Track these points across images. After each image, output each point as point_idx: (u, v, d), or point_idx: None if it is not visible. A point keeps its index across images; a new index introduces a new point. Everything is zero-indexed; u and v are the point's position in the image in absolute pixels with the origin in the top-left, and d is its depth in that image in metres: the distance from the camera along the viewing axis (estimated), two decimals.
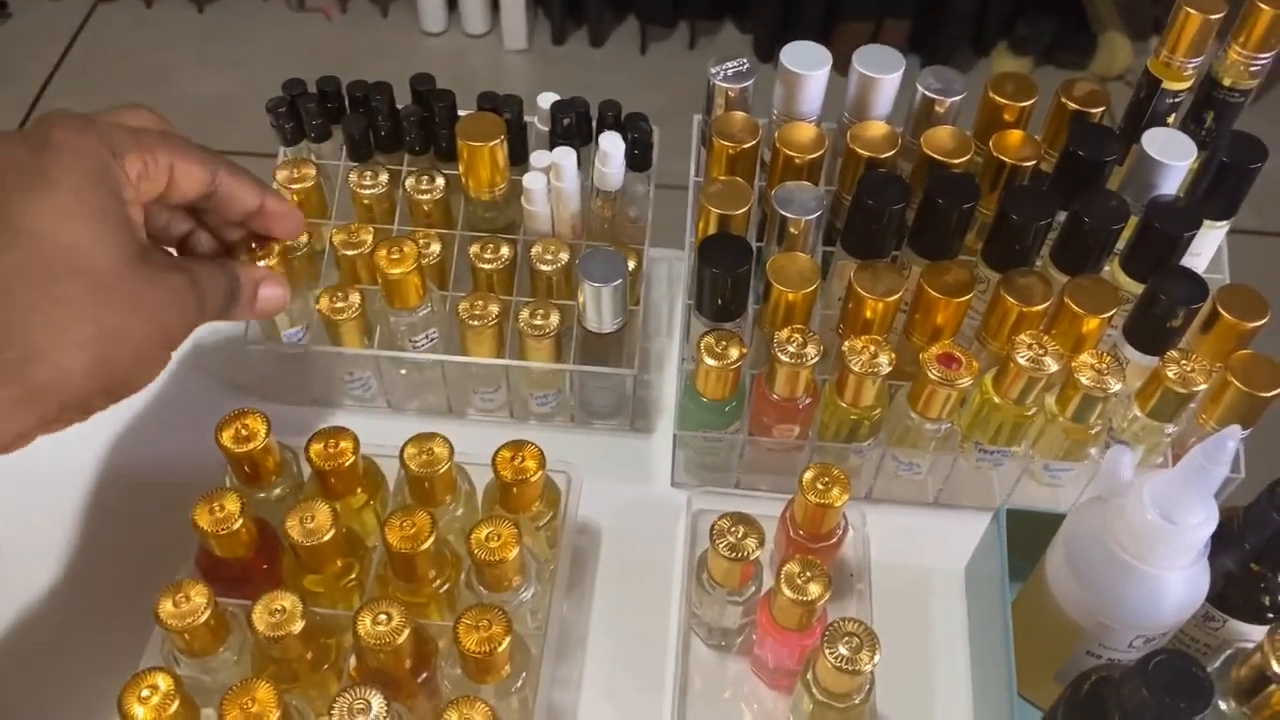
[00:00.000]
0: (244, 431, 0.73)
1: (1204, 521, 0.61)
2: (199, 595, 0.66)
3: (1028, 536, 0.74)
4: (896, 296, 0.77)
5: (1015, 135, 0.82)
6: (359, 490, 0.75)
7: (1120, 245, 0.81)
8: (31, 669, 0.76)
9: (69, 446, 0.87)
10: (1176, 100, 0.81)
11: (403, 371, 0.87)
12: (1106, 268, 0.82)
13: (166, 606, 0.65)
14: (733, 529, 0.71)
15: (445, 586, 0.72)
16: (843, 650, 0.66)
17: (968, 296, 0.76)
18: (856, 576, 0.81)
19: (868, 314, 0.78)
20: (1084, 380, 0.74)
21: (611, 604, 0.81)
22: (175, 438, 0.87)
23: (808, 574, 0.69)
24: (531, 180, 0.84)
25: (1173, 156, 0.78)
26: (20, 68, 2.70)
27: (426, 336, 0.83)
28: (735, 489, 0.87)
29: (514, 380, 0.86)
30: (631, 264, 0.86)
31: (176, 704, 0.62)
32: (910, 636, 0.80)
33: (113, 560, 0.82)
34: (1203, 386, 0.74)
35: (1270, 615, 0.69)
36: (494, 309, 0.82)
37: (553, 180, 0.83)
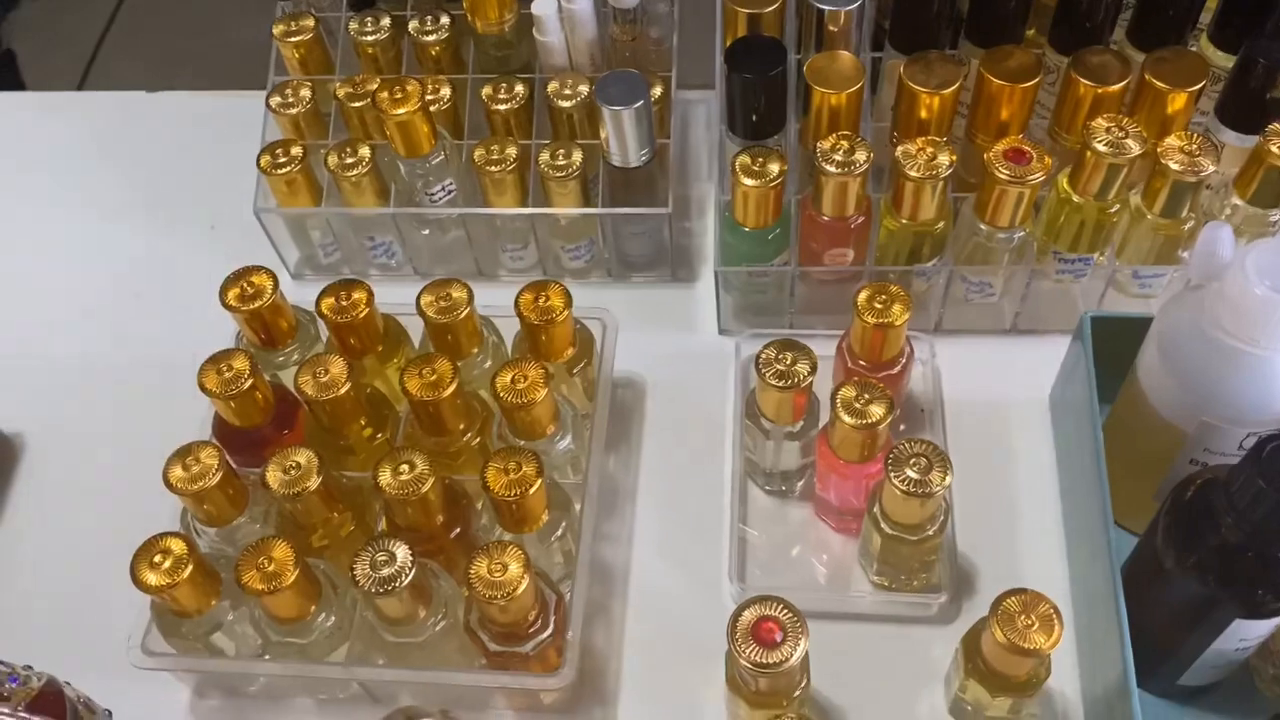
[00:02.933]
0: (249, 289, 0.68)
1: None
2: (209, 457, 0.61)
3: (1117, 350, 0.66)
4: (954, 88, 0.68)
5: None
6: (380, 348, 0.70)
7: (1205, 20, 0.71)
8: (61, 558, 0.73)
9: (96, 339, 0.85)
10: None
11: (425, 232, 0.82)
12: (1193, 46, 0.72)
13: (176, 471, 0.61)
14: (780, 356, 0.65)
15: (476, 440, 0.67)
16: (910, 473, 0.60)
17: (1034, 80, 0.68)
18: (928, 412, 0.74)
19: (922, 113, 0.70)
20: (1173, 165, 0.66)
21: (661, 458, 0.75)
22: (196, 323, 0.83)
23: (866, 396, 0.62)
24: (541, 6, 0.77)
25: None
26: (70, 33, 2.68)
27: (444, 188, 0.77)
28: (789, 331, 0.80)
29: (542, 233, 0.80)
30: (658, 90, 0.79)
31: (190, 568, 0.58)
32: (992, 473, 0.73)
33: (141, 449, 0.78)
34: None
35: None
36: (512, 151, 0.76)
37: (564, 3, 0.76)
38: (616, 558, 0.71)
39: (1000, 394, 0.75)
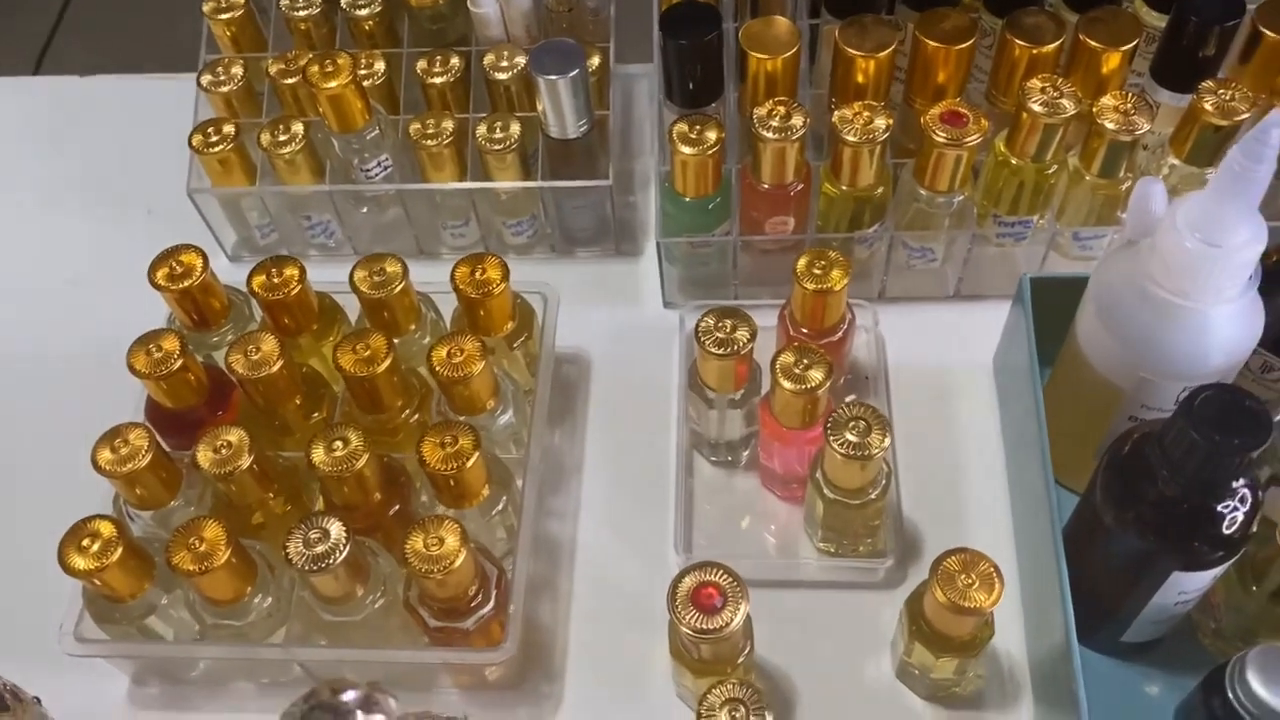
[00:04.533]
0: (179, 268, 0.66)
1: (1251, 239, 0.52)
2: (139, 438, 0.60)
3: (1058, 313, 0.66)
4: (889, 51, 0.68)
5: None
6: (315, 327, 0.69)
7: None
8: None
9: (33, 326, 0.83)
10: None
11: (364, 210, 0.80)
12: (1127, 6, 0.72)
13: (104, 454, 0.60)
14: (719, 324, 0.64)
15: (415, 417, 0.66)
16: (849, 437, 0.59)
17: (969, 42, 0.68)
18: (873, 379, 0.74)
19: (859, 77, 0.69)
20: (1108, 125, 0.66)
21: (607, 432, 0.75)
22: (132, 308, 0.81)
23: (805, 361, 0.62)
24: None
25: None
26: (23, 25, 2.63)
27: (379, 164, 0.76)
28: (734, 302, 0.80)
29: (483, 209, 0.79)
30: (595, 61, 0.78)
31: (120, 551, 0.57)
32: (937, 438, 0.73)
33: (75, 434, 0.77)
34: (1245, 116, 0.65)
35: None
36: (449, 125, 0.75)
37: None
38: (563, 532, 0.71)
39: (945, 359, 0.75)
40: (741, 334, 0.64)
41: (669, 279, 0.78)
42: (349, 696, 0.42)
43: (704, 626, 0.54)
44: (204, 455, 0.60)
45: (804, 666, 0.65)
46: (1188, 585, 0.56)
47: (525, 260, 0.82)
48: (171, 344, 0.63)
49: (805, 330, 0.68)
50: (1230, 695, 0.54)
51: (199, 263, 0.66)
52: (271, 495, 0.63)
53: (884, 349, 0.75)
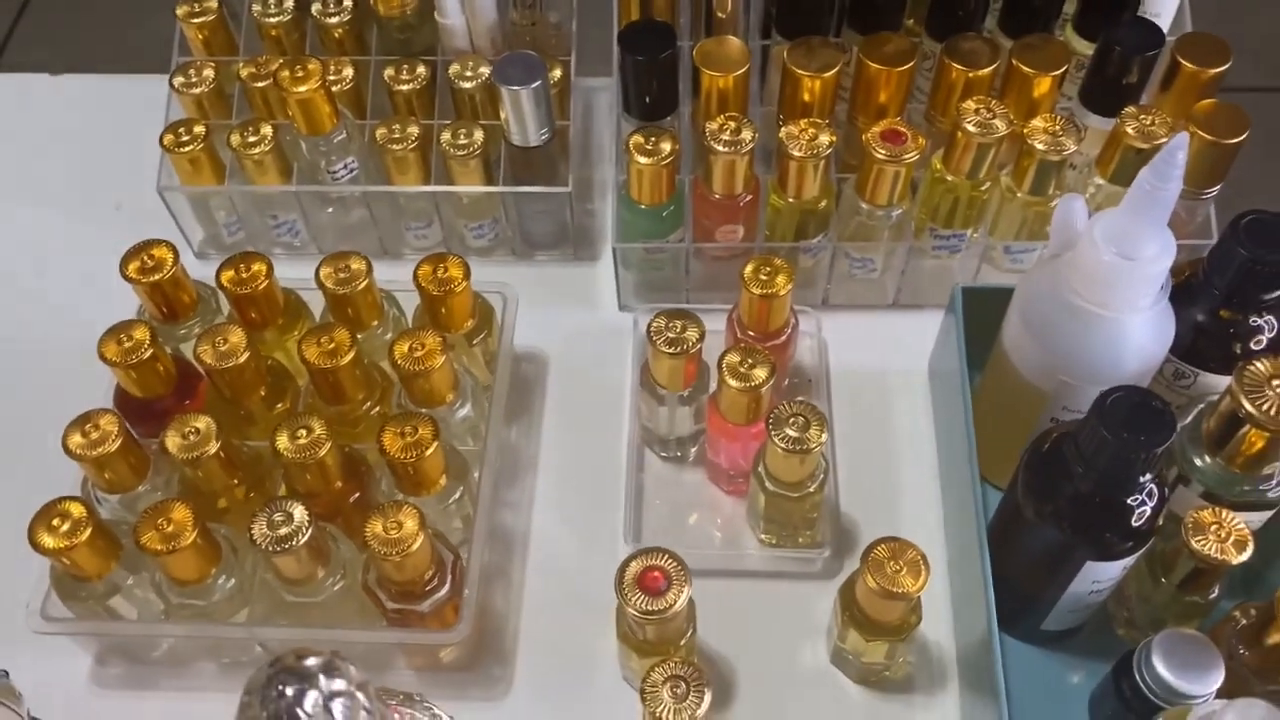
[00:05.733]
0: (150, 262, 0.69)
1: (1160, 253, 0.57)
2: (109, 424, 0.62)
3: (987, 321, 0.70)
4: (834, 72, 0.72)
5: None
6: (281, 321, 0.72)
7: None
8: None
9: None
10: None
11: (329, 210, 0.83)
12: (1059, 34, 0.77)
13: (75, 437, 0.62)
14: (670, 324, 0.67)
15: (376, 409, 0.69)
16: (789, 432, 0.63)
17: (908, 65, 0.72)
18: (815, 382, 0.78)
19: (805, 96, 0.73)
20: (1038, 145, 0.70)
21: (562, 429, 0.78)
22: (101, 301, 0.83)
23: (750, 361, 0.66)
24: None
25: None
26: None
27: (345, 166, 0.79)
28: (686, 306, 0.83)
29: (446, 212, 0.82)
30: (557, 73, 0.81)
31: (89, 531, 0.59)
32: (875, 439, 0.76)
33: (46, 420, 0.78)
34: (1164, 140, 0.69)
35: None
36: (414, 130, 0.78)
37: None
38: (517, 523, 0.74)
39: (884, 364, 0.79)
40: (691, 334, 0.67)
41: (624, 283, 0.82)
42: (312, 662, 0.45)
43: (649, 608, 0.57)
44: (172, 440, 0.62)
45: (745, 651, 0.68)
46: (1100, 575, 0.60)
47: (486, 262, 0.85)
48: (142, 334, 0.65)
49: (752, 333, 0.72)
50: (1137, 677, 0.58)
51: (170, 257, 0.69)
52: (236, 482, 0.65)
53: (827, 353, 0.79)
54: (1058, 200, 0.73)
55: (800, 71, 0.72)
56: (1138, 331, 0.60)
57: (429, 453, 0.62)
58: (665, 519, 0.73)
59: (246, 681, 0.45)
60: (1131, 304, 0.59)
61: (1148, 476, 0.56)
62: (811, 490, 0.66)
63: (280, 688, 0.44)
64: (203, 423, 0.63)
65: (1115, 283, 0.58)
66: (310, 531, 0.59)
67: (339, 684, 0.45)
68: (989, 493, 0.69)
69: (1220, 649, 0.58)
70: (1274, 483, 0.61)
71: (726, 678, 0.67)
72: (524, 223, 0.83)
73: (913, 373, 0.79)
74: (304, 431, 0.62)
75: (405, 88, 0.80)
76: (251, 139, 0.78)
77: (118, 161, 0.91)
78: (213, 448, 0.62)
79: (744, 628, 0.69)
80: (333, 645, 0.65)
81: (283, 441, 0.62)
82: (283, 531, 0.58)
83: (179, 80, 0.81)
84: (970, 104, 0.70)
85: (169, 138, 0.78)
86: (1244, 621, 0.60)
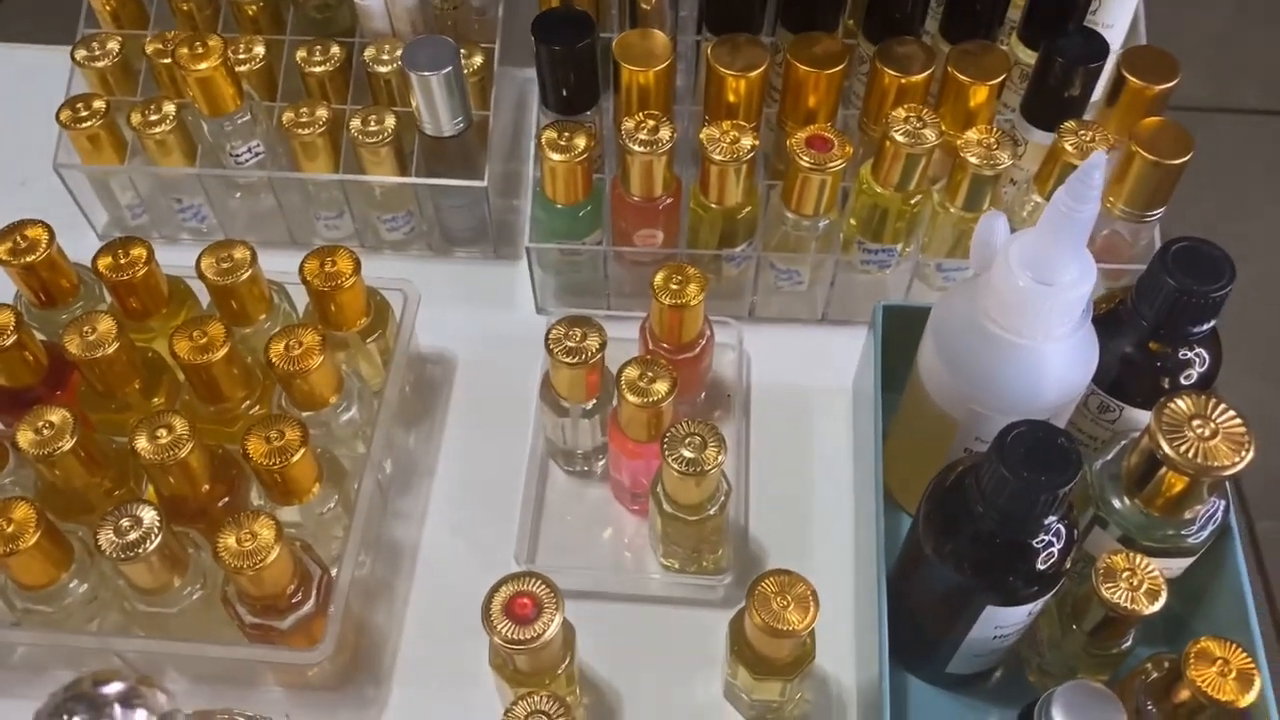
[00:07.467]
0: (23, 243, 0.65)
1: (1079, 278, 0.53)
2: None
3: (912, 342, 0.66)
4: (759, 71, 0.68)
5: None
6: (164, 311, 0.68)
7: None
8: None
9: None
10: None
11: (238, 196, 0.79)
12: (1004, 42, 0.73)
13: None
14: (570, 333, 0.64)
15: (256, 409, 0.65)
16: (685, 452, 0.59)
17: (839, 68, 0.68)
18: (733, 398, 0.74)
19: (730, 96, 0.69)
20: (971, 159, 0.66)
21: (464, 437, 0.74)
22: None
23: (650, 374, 0.62)
24: None
25: None
26: None
27: (250, 150, 0.75)
28: (604, 312, 0.79)
29: (357, 202, 0.78)
30: (478, 60, 0.77)
31: None
32: (792, 460, 0.73)
33: None
34: None
35: None
36: (323, 114, 0.74)
37: None
38: (408, 536, 0.70)
39: (808, 382, 0.75)
40: (592, 342, 0.63)
41: (541, 285, 0.78)
42: (110, 690, 0.41)
43: (517, 637, 0.53)
44: (24, 436, 0.58)
45: (636, 682, 0.64)
46: (1004, 620, 0.56)
47: (401, 257, 0.81)
48: (6, 319, 0.62)
49: (665, 345, 0.68)
50: None
51: (44, 238, 0.65)
52: (100, 480, 0.61)
53: (749, 368, 0.75)
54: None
55: (724, 70, 0.68)
56: (1054, 361, 0.56)
57: (296, 459, 0.58)
58: (565, 537, 0.69)
59: (39, 707, 0.42)
60: (1047, 332, 0.55)
61: (1054, 518, 0.52)
62: (711, 513, 0.62)
63: (67, 717, 0.40)
64: (58, 416, 0.59)
65: (1030, 309, 0.54)
66: (160, 537, 0.55)
67: (138, 715, 0.41)
68: (905, 523, 0.65)
69: (1128, 703, 0.54)
70: (1195, 528, 0.57)
71: (612, 710, 0.63)
72: (441, 217, 0.79)
73: (837, 392, 0.75)
74: (164, 430, 0.58)
75: (318, 70, 0.76)
76: (153, 118, 0.74)
77: (23, 137, 0.86)
78: (68, 444, 0.58)
79: (639, 657, 0.65)
80: (194, 658, 0.61)
81: (141, 441, 0.58)
82: (131, 538, 0.55)
83: (81, 53, 0.77)
84: (900, 112, 0.66)
85: (66, 113, 0.74)
86: (1155, 675, 0.56)
